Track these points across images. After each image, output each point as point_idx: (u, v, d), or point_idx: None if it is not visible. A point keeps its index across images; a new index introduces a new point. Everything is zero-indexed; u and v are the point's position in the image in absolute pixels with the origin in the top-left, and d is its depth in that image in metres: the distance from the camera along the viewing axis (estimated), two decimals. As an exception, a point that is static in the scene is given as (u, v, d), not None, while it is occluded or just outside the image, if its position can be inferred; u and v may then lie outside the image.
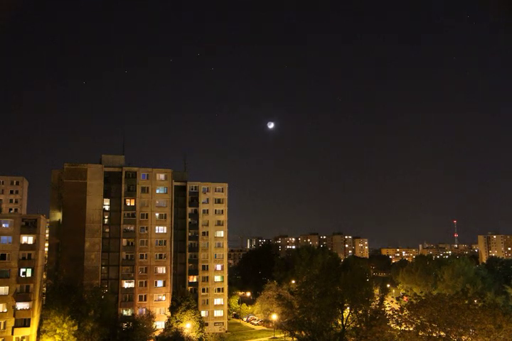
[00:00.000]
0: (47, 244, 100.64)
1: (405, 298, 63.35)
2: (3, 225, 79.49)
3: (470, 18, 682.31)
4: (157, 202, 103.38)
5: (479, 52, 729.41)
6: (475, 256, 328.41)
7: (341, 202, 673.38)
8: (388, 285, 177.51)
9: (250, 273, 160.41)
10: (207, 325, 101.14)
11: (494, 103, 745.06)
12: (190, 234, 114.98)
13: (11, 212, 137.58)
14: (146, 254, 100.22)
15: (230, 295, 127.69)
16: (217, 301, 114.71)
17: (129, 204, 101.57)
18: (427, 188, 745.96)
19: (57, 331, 72.74)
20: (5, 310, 76.59)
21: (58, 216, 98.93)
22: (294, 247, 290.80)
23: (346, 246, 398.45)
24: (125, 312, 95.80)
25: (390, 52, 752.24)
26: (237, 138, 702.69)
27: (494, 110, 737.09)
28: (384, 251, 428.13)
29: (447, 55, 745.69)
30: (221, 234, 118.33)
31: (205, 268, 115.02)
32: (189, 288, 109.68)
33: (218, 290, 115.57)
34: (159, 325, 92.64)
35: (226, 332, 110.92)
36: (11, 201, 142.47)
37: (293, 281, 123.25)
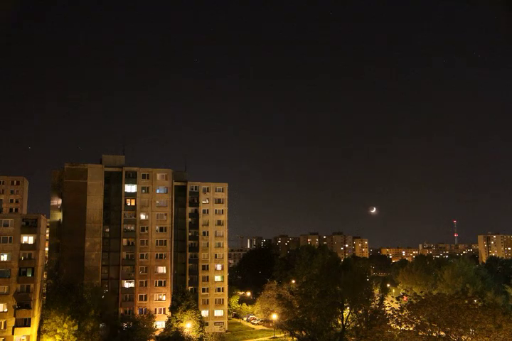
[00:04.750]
0: (47, 244, 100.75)
1: (405, 298, 63.49)
2: (4, 225, 79.59)
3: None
4: (157, 202, 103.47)
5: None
6: (475, 255, 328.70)
7: (341, 202, 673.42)
8: (388, 285, 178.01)
9: (250, 272, 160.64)
10: (207, 324, 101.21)
11: (494, 102, 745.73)
12: (190, 233, 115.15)
13: (12, 211, 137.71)
14: (146, 254, 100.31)
15: (230, 294, 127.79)
16: (218, 301, 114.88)
17: (129, 204, 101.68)
18: (427, 188, 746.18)
19: (58, 331, 72.98)
20: (5, 310, 76.71)
21: (59, 216, 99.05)
22: (294, 247, 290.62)
23: (346, 246, 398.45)
24: (125, 312, 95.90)
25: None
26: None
27: (495, 110, 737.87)
28: (384, 251, 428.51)
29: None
30: (221, 233, 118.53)
31: (205, 267, 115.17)
32: (189, 287, 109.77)
33: (218, 289, 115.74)
34: (159, 324, 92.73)
35: (226, 331, 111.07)
36: (11, 201, 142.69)
37: (293, 281, 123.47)
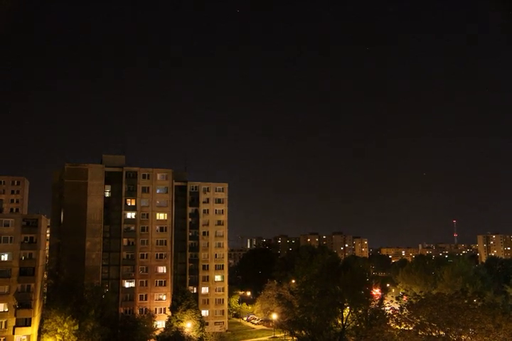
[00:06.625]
0: (48, 244, 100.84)
1: (405, 298, 63.60)
2: (5, 225, 79.70)
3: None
4: (158, 202, 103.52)
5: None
6: (474, 255, 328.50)
7: (341, 202, 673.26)
8: (388, 285, 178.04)
9: (250, 272, 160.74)
10: (207, 324, 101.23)
11: (493, 103, 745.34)
12: (190, 233, 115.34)
13: (12, 212, 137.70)
14: (146, 254, 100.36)
15: (231, 294, 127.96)
16: (218, 301, 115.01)
17: (129, 204, 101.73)
18: (427, 188, 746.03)
19: (58, 330, 73.04)
20: (6, 310, 76.78)
21: (59, 216, 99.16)
22: (294, 247, 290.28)
23: (346, 245, 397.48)
24: (126, 312, 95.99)
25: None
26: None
27: (494, 110, 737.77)
28: (384, 251, 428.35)
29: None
30: (221, 233, 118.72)
31: (205, 267, 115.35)
32: (189, 287, 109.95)
33: (219, 289, 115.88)
34: (160, 324, 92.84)
35: (226, 331, 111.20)
36: (12, 201, 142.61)
37: (293, 281, 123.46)
